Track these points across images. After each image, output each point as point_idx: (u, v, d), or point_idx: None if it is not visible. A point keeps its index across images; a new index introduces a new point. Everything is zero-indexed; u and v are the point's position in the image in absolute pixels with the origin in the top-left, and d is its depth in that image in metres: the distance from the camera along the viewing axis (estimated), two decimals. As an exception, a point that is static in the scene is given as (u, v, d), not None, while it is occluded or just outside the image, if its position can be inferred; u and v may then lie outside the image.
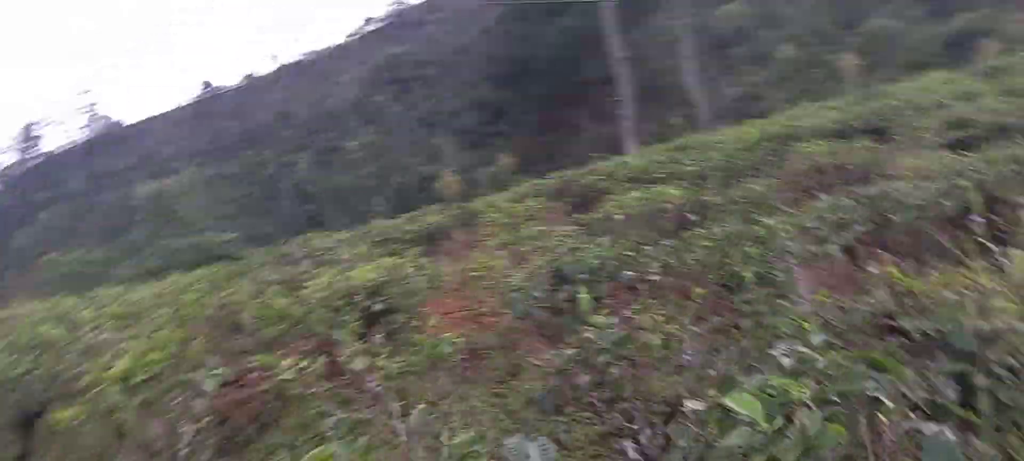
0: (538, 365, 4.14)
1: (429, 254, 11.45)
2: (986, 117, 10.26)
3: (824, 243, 5.56)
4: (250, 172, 57.07)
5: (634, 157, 17.37)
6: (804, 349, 2.86)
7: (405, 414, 3.85)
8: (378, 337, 4.77)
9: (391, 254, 10.16)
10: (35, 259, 36.50)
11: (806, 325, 2.97)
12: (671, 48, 46.33)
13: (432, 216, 13.93)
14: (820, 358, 2.77)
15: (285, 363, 4.38)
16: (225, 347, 6.27)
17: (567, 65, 41.59)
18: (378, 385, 3.80)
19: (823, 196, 6.62)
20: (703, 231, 5.99)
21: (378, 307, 6.07)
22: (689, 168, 11.59)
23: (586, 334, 3.32)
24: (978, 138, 9.66)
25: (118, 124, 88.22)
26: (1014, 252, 4.36)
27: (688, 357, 3.47)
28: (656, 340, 3.47)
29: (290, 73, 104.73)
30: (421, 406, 3.79)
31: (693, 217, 7.34)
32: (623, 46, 36.30)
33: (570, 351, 3.29)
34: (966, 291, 3.67)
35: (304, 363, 4.32)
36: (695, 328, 3.82)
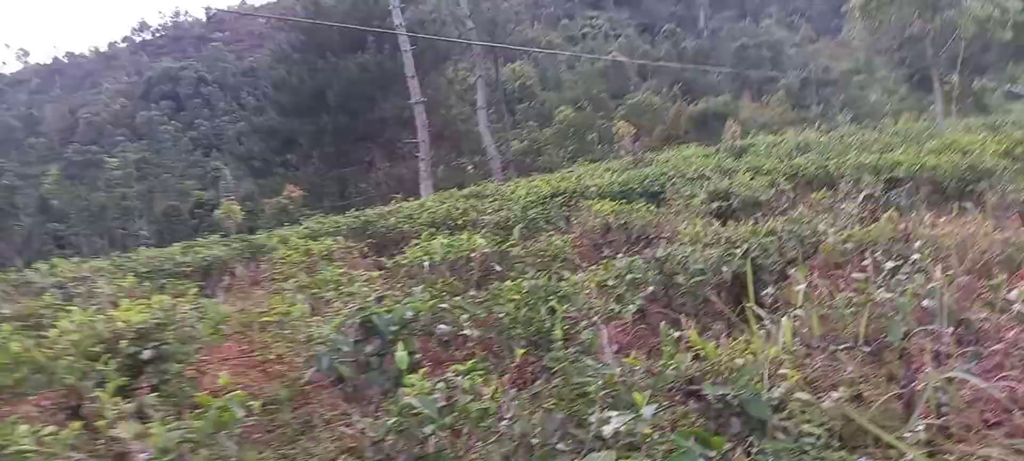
0: (347, 431, 3.78)
1: (208, 290, 10.36)
2: (741, 190, 11.63)
3: (622, 301, 5.82)
4: (-19, 182, 48.57)
5: (433, 200, 17.37)
6: (629, 420, 2.87)
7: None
8: (149, 396, 4.07)
9: (162, 289, 9.01)
10: None
11: (638, 397, 2.98)
12: (464, 96, 47.79)
13: (212, 247, 12.67)
14: (650, 431, 2.79)
15: (20, 429, 3.54)
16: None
17: (363, 102, 40.97)
18: (150, 458, 3.19)
19: (619, 255, 6.98)
20: (510, 284, 5.98)
21: (147, 354, 5.24)
22: (489, 217, 11.77)
23: (406, 399, 3.05)
24: (736, 209, 10.94)
25: None
26: (784, 321, 4.84)
27: (506, 423, 3.34)
28: (475, 405, 3.29)
29: (41, 74, 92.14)
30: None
31: (498, 268, 7.38)
32: (421, 89, 36.61)
33: (391, 420, 3.00)
34: (755, 357, 3.99)
35: (46, 431, 3.53)
36: (512, 390, 3.71)
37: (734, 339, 4.30)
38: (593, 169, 29.45)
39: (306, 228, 14.24)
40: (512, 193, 16.26)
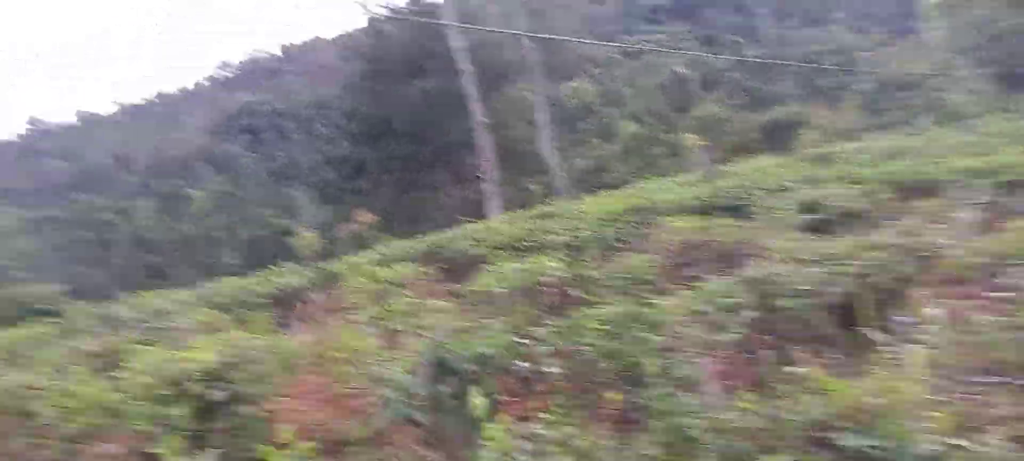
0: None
1: (283, 319, 10.29)
2: (835, 201, 10.83)
3: (719, 329, 5.28)
4: (83, 217, 51.45)
5: (502, 222, 17.05)
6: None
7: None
8: (211, 452, 3.81)
9: (239, 321, 8.96)
10: None
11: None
12: (527, 116, 47.64)
13: (287, 276, 12.69)
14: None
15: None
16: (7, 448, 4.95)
17: (428, 126, 41.39)
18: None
19: (705, 275, 6.44)
20: (590, 311, 5.54)
21: (218, 396, 5.03)
22: (561, 238, 11.32)
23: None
24: (831, 222, 10.13)
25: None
26: (912, 348, 4.22)
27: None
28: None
29: (132, 114, 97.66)
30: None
31: (576, 293, 6.94)
32: (484, 112, 36.64)
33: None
34: (890, 396, 3.41)
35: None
36: (609, 442, 3.26)
37: (863, 374, 3.74)
38: (663, 184, 28.58)
39: (378, 253, 14.13)
40: (582, 212, 15.76)
